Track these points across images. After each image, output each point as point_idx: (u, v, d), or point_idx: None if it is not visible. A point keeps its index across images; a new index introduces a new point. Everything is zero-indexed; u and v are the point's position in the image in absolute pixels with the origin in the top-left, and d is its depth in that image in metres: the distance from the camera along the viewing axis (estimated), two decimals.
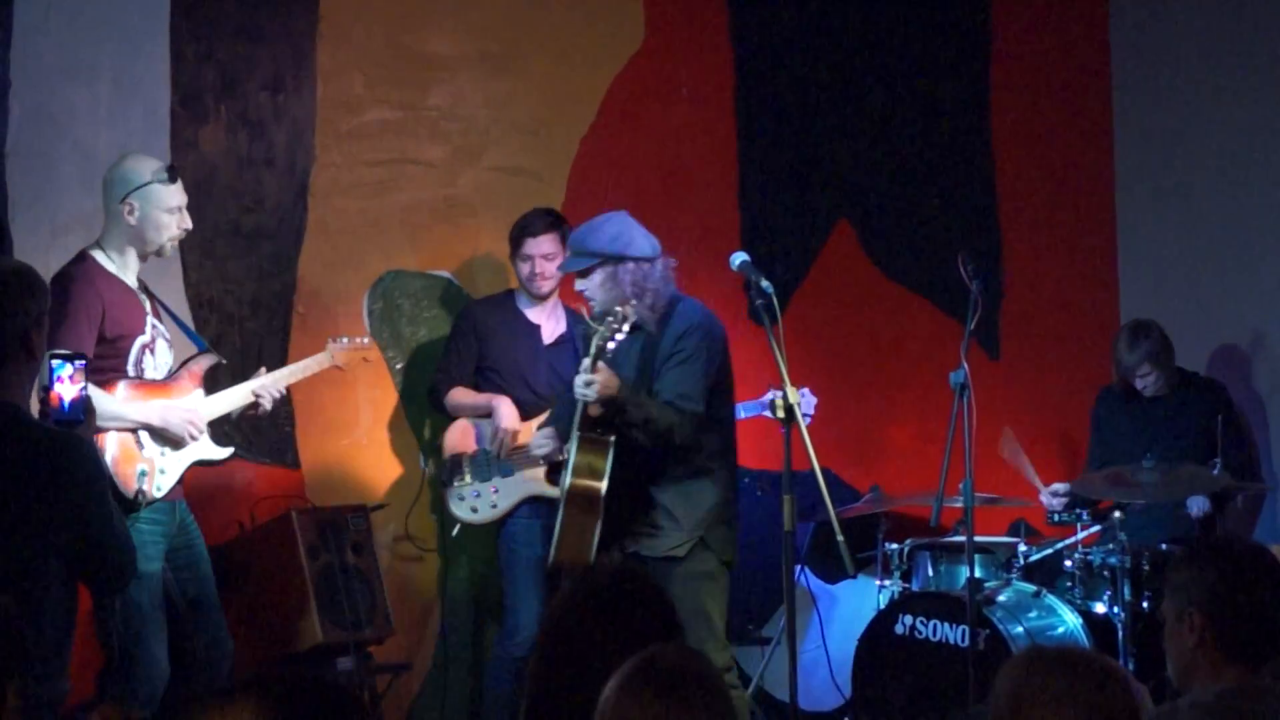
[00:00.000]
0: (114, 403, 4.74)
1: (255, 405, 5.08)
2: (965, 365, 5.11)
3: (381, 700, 5.67)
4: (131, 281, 4.90)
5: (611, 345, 4.84)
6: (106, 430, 4.69)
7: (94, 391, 4.60)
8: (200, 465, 4.98)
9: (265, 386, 5.08)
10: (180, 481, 4.91)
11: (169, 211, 4.87)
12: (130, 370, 4.83)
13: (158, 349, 4.93)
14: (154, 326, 4.93)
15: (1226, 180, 6.99)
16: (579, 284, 5.08)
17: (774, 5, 6.96)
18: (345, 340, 5.37)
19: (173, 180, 4.88)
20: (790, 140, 6.97)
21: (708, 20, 6.83)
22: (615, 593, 2.91)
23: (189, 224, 4.95)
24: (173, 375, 4.95)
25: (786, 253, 6.89)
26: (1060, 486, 6.24)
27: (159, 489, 4.80)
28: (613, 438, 4.93)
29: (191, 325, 5.55)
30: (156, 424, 4.80)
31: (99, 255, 4.87)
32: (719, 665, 4.62)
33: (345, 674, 5.37)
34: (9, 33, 5.41)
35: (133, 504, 4.70)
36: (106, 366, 4.78)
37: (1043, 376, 7.32)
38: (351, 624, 5.44)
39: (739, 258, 5.16)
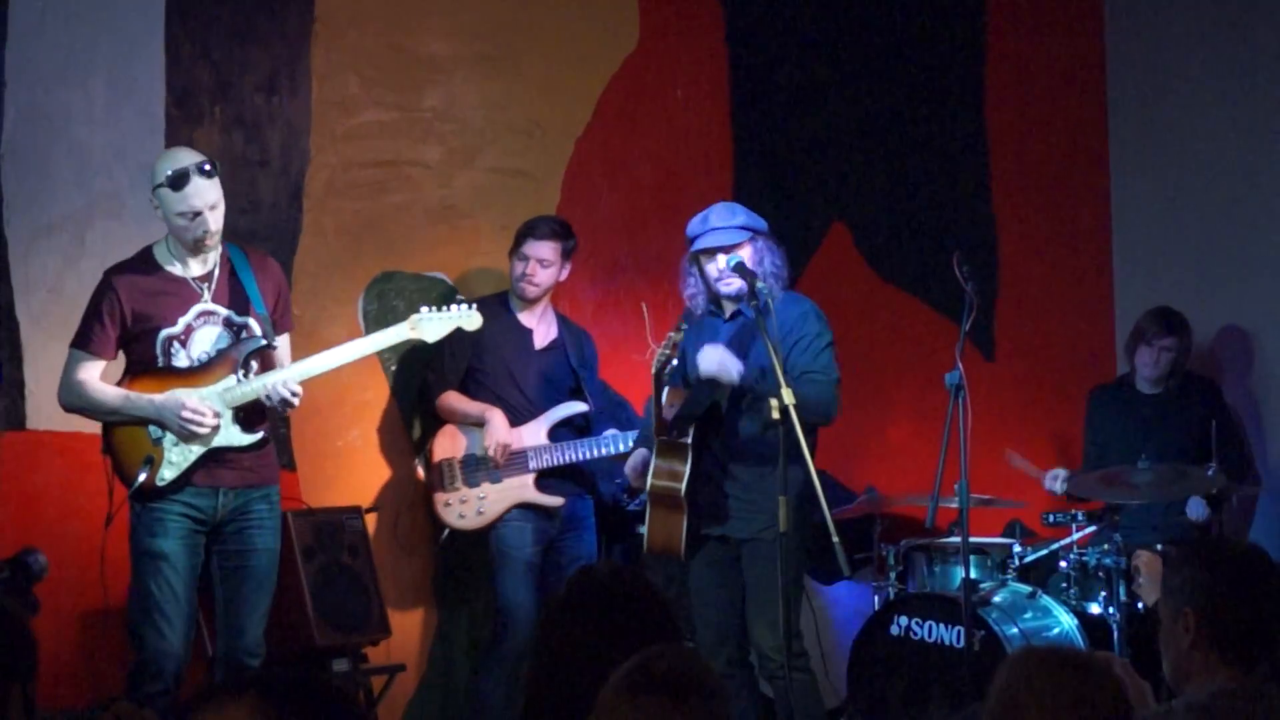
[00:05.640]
0: (111, 397, 4.80)
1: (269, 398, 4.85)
2: (960, 366, 5.11)
3: (377, 702, 5.66)
4: (181, 271, 4.87)
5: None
6: (113, 423, 4.80)
7: (98, 387, 4.79)
8: (224, 452, 4.84)
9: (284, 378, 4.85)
10: (200, 467, 4.79)
11: (179, 215, 4.78)
12: (159, 360, 4.84)
13: (193, 340, 4.85)
14: (200, 315, 4.86)
15: (1222, 182, 7.00)
16: (731, 258, 5.13)
17: (768, 7, 6.97)
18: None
19: (175, 188, 4.74)
20: (785, 142, 6.97)
21: (703, 22, 6.83)
22: (612, 593, 2.91)
23: (210, 226, 4.79)
24: (204, 363, 4.87)
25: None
26: (1060, 471, 6.25)
27: (162, 479, 4.76)
28: (689, 440, 5.04)
29: None
30: (153, 419, 4.78)
31: (157, 247, 4.91)
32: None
33: (341, 675, 5.36)
34: (4, 33, 5.40)
35: (139, 493, 4.74)
36: (134, 357, 4.87)
37: (1038, 377, 7.33)
38: (347, 626, 5.44)
39: (734, 259, 5.16)
